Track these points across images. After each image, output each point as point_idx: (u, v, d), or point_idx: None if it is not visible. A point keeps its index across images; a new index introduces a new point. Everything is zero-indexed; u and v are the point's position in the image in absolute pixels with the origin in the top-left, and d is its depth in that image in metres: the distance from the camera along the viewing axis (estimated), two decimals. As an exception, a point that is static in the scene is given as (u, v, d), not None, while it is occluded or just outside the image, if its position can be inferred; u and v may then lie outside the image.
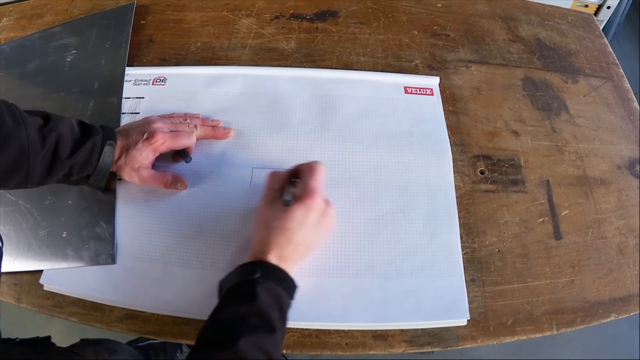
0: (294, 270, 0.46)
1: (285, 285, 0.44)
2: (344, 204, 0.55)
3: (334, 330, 0.49)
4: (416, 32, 0.73)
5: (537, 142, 0.62)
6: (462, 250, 0.53)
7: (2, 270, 0.52)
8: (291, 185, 0.50)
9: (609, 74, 0.70)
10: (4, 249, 0.53)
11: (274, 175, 0.50)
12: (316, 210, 0.46)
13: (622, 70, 0.71)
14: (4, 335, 0.52)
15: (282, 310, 0.43)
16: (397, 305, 0.49)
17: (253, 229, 0.49)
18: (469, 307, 0.50)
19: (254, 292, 0.41)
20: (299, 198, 0.46)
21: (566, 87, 0.68)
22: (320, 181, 0.48)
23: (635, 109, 0.67)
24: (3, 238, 0.54)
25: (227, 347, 0.37)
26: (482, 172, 0.59)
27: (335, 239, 0.53)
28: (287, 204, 0.46)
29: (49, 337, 0.58)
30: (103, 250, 0.53)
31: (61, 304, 0.52)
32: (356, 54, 0.70)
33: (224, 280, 0.45)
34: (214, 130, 0.59)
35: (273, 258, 0.45)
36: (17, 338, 0.54)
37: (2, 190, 0.58)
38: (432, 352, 0.49)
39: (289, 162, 0.58)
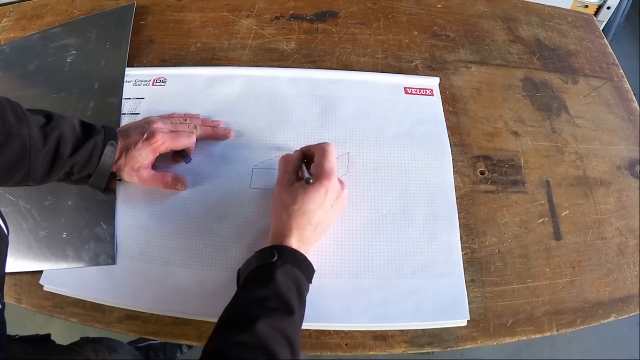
0: (311, 251, 0.47)
1: (304, 268, 0.45)
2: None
3: (334, 330, 0.49)
4: (416, 33, 0.73)
5: (537, 143, 0.62)
6: (462, 251, 0.53)
7: (2, 270, 0.53)
8: (306, 167, 0.51)
9: (609, 75, 0.70)
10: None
11: (286, 158, 0.51)
12: (333, 190, 0.48)
13: (622, 71, 0.71)
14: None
15: (301, 293, 0.43)
16: (397, 306, 0.49)
17: (271, 214, 0.50)
18: (469, 307, 0.50)
19: (273, 275, 0.42)
20: (316, 179, 0.47)
21: (566, 88, 0.68)
22: (334, 162, 0.49)
23: (635, 109, 0.67)
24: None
25: (246, 329, 0.38)
26: (482, 173, 0.59)
27: (335, 240, 0.53)
28: (308, 182, 0.47)
29: (49, 335, 0.58)
30: (103, 250, 0.53)
31: (61, 304, 0.52)
32: (356, 55, 0.70)
33: (243, 268, 0.46)
34: (214, 130, 0.59)
35: (294, 241, 0.46)
36: (17, 335, 0.54)
37: (2, 190, 0.58)
38: (432, 352, 0.49)
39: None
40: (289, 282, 0.42)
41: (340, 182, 0.50)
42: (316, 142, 0.59)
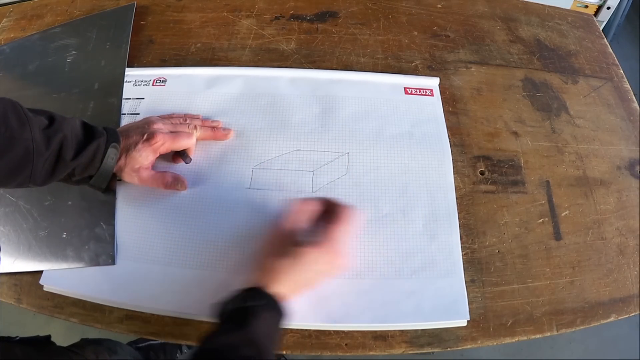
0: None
1: (280, 317, 0.43)
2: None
3: (334, 331, 0.49)
4: (416, 33, 0.73)
5: (537, 143, 0.62)
6: (462, 251, 0.53)
7: (3, 271, 0.53)
8: (319, 227, 0.47)
9: (609, 75, 0.70)
10: (3, 247, 0.53)
11: (305, 205, 0.48)
12: (331, 260, 0.46)
13: (622, 71, 0.71)
14: (3, 335, 0.52)
15: (274, 342, 0.42)
16: (397, 306, 0.49)
17: (258, 250, 0.48)
18: (469, 307, 0.50)
19: (250, 320, 0.40)
20: (320, 240, 0.45)
21: (566, 88, 0.68)
22: (346, 231, 0.47)
23: (635, 109, 0.67)
24: (3, 239, 0.54)
25: None
26: (482, 173, 0.59)
27: (335, 240, 0.53)
28: (306, 245, 0.44)
29: (49, 336, 0.58)
30: (103, 251, 0.53)
31: (61, 304, 0.52)
32: (356, 55, 0.70)
33: (222, 305, 0.44)
34: (213, 131, 0.59)
35: (272, 290, 0.44)
36: (17, 337, 0.54)
37: (2, 191, 0.58)
38: (432, 352, 0.49)
39: (289, 163, 0.58)
40: (264, 329, 0.41)
41: (344, 254, 0.47)
42: (316, 142, 0.59)
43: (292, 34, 0.73)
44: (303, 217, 0.48)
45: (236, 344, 0.39)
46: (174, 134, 0.56)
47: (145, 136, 0.53)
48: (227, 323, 0.42)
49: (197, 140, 0.58)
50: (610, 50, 0.74)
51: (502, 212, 0.56)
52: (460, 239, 0.54)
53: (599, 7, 1.21)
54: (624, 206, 0.58)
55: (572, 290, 0.52)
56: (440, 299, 0.50)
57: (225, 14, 0.76)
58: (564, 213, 0.57)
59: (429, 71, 0.68)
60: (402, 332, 0.49)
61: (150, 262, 0.52)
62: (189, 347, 1.22)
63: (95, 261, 0.52)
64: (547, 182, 0.59)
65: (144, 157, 0.53)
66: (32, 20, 0.76)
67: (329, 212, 0.49)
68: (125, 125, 0.56)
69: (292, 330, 0.49)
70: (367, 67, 0.68)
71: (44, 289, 0.52)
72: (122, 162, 0.52)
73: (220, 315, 0.43)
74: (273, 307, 0.43)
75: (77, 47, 0.70)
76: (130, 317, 0.51)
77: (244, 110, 0.63)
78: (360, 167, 0.58)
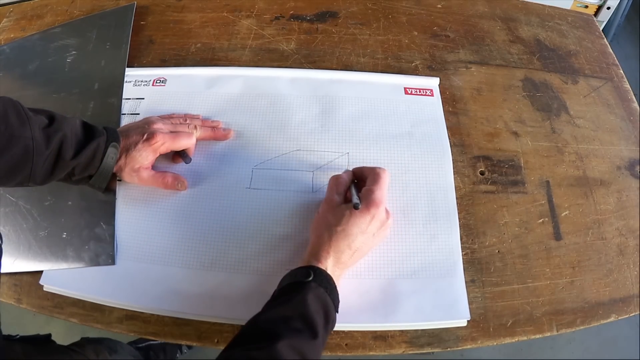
0: (342, 277, 0.47)
1: (334, 296, 0.44)
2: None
3: (334, 331, 0.49)
4: (416, 33, 0.73)
5: (537, 143, 0.62)
6: (462, 251, 0.53)
7: (2, 271, 0.53)
8: (355, 189, 0.50)
9: (609, 75, 0.70)
10: (3, 247, 0.54)
11: (337, 179, 0.51)
12: (378, 219, 0.47)
13: (622, 71, 0.71)
14: (4, 334, 0.52)
15: (328, 319, 0.42)
16: (397, 306, 0.49)
17: (311, 233, 0.50)
18: (469, 307, 0.50)
19: (303, 295, 0.41)
20: (364, 204, 0.47)
21: (566, 88, 0.68)
22: (385, 190, 0.49)
23: (635, 109, 0.67)
24: (3, 237, 0.54)
25: (265, 346, 0.37)
26: (482, 173, 0.59)
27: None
28: (356, 207, 0.46)
29: (49, 335, 0.58)
30: (103, 251, 0.53)
31: (61, 304, 0.52)
32: (356, 55, 0.70)
33: (280, 282, 0.45)
34: (213, 131, 0.59)
35: (330, 262, 0.45)
36: (18, 335, 0.54)
37: (2, 190, 0.58)
38: (432, 352, 0.49)
39: (289, 162, 0.58)
40: (317, 306, 0.41)
41: (387, 212, 0.49)
42: (316, 143, 0.60)
43: (292, 34, 0.73)
44: (342, 189, 0.50)
45: (288, 315, 0.40)
46: (174, 134, 0.56)
47: (145, 136, 0.53)
48: (282, 297, 0.43)
49: (197, 140, 0.58)
50: (610, 50, 0.74)
51: (502, 212, 0.56)
52: (460, 239, 0.54)
53: (599, 7, 1.21)
54: (624, 206, 0.58)
55: (572, 291, 0.52)
56: (440, 299, 0.50)
57: (225, 14, 0.76)
58: (564, 213, 0.57)
59: (429, 71, 0.68)
60: (402, 332, 0.49)
61: (150, 262, 0.52)
62: (189, 347, 1.22)
63: (95, 261, 0.52)
64: (547, 182, 0.59)
65: (144, 157, 0.53)
66: (32, 20, 0.77)
67: (362, 178, 0.51)
68: (125, 125, 0.56)
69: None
70: (367, 67, 0.68)
71: (44, 289, 0.52)
72: (122, 162, 0.52)
73: (276, 291, 0.44)
74: (327, 284, 0.43)
75: (77, 47, 0.70)
76: (130, 317, 0.51)
77: (244, 110, 0.63)
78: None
